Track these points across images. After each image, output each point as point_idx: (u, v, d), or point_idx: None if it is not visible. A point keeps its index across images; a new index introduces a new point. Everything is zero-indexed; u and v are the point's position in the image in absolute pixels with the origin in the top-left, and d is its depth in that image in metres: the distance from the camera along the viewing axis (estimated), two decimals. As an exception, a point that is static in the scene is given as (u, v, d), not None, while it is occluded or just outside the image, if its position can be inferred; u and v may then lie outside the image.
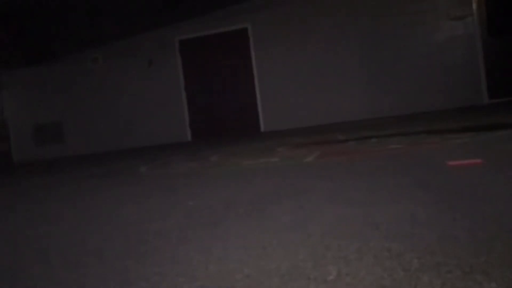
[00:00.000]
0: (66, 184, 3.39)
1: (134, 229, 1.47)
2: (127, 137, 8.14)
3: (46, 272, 1.10)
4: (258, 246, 1.08)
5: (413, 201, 1.36)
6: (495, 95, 6.50)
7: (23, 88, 8.82)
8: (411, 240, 0.98)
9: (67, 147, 8.48)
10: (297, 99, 7.18)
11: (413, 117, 5.70)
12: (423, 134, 3.46)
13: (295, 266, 0.91)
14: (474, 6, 6.56)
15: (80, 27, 6.89)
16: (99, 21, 6.83)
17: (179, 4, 6.69)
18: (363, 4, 7.01)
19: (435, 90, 6.65)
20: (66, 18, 6.43)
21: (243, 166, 2.93)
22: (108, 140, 8.25)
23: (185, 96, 8.00)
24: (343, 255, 0.94)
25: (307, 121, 6.99)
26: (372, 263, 0.87)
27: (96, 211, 1.97)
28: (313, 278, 0.83)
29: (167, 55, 7.98)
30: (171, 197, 2.09)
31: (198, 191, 2.14)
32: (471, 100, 6.46)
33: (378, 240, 1.00)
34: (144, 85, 8.10)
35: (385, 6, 6.87)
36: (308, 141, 4.09)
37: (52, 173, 4.70)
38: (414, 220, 1.13)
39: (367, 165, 2.30)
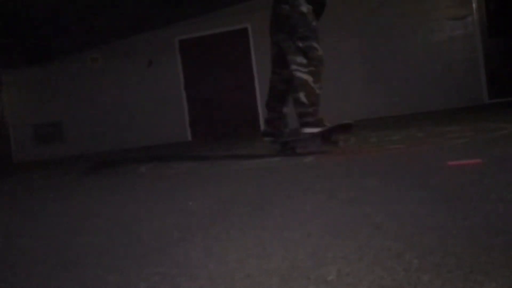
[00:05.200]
0: (65, 184, 3.39)
1: (134, 229, 1.47)
2: (127, 136, 8.14)
3: (46, 272, 1.10)
4: (258, 246, 1.08)
5: (413, 200, 1.35)
6: (495, 95, 6.50)
7: (23, 88, 8.81)
8: (411, 240, 0.98)
9: (67, 147, 8.48)
10: (297, 99, 7.16)
11: (413, 117, 5.70)
12: (423, 134, 3.46)
13: (295, 266, 0.91)
14: (474, 6, 6.56)
15: (80, 27, 6.89)
16: (99, 21, 6.82)
17: (180, 4, 6.68)
18: (363, 3, 7.01)
19: (435, 90, 6.65)
20: (66, 18, 6.43)
21: (243, 166, 2.93)
22: (108, 139, 8.25)
23: (185, 96, 8.00)
24: (343, 255, 0.93)
25: (307, 121, 6.97)
26: (372, 263, 0.87)
27: (96, 210, 1.97)
28: (313, 278, 0.83)
29: (167, 55, 7.98)
30: (171, 197, 2.09)
31: (198, 191, 2.14)
32: (471, 100, 6.46)
33: (378, 240, 1.00)
34: (144, 85, 8.10)
35: (385, 6, 6.86)
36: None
37: (51, 173, 4.70)
38: (414, 220, 1.13)
39: (367, 165, 2.30)
